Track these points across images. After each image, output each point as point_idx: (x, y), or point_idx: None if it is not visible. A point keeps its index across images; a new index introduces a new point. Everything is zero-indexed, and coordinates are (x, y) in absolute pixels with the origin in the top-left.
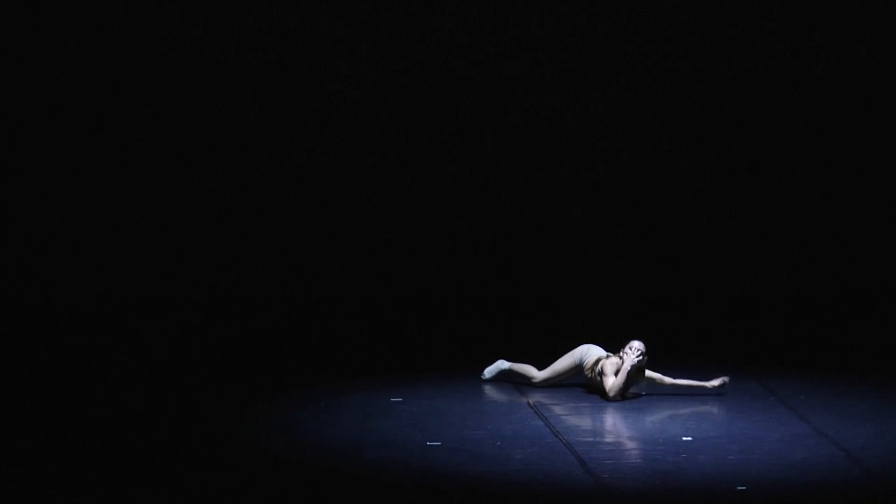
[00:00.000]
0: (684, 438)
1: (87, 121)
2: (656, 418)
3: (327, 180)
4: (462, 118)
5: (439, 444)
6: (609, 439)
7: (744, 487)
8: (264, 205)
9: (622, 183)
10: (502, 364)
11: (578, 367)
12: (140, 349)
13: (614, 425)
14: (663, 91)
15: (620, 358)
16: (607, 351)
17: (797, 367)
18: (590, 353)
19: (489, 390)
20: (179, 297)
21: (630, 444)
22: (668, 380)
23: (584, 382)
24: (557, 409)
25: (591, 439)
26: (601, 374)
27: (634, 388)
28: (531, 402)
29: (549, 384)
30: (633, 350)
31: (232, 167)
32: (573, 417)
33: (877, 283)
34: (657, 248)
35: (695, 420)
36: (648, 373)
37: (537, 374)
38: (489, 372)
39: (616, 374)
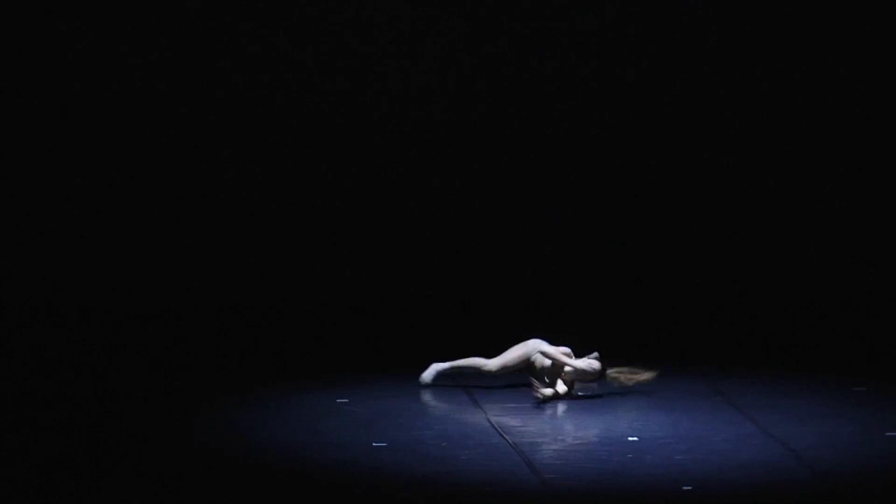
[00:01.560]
0: (630, 438)
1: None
2: (602, 418)
3: (273, 184)
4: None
5: (385, 444)
6: (555, 439)
7: (690, 487)
8: (213, 208)
9: (574, 181)
10: (439, 366)
11: (528, 361)
12: (88, 352)
13: (560, 425)
14: (652, 91)
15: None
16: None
17: (744, 366)
18: (541, 348)
19: (435, 391)
20: (127, 301)
21: (576, 445)
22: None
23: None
24: (503, 410)
25: (537, 440)
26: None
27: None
28: (478, 402)
29: (505, 373)
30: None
31: (189, 169)
32: (519, 418)
33: (824, 284)
34: (607, 247)
35: (641, 420)
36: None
37: (489, 363)
38: (427, 376)
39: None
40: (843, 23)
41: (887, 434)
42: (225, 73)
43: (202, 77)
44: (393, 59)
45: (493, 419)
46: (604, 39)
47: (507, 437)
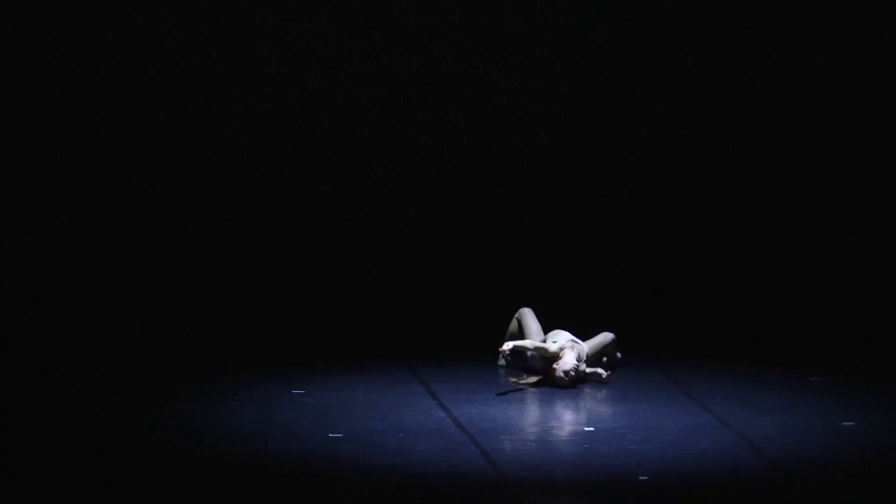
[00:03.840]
0: (586, 429)
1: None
2: (558, 409)
3: (237, 174)
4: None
5: (341, 435)
6: (512, 430)
7: (645, 477)
8: (175, 198)
9: (547, 172)
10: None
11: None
12: (41, 344)
13: (517, 416)
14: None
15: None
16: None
17: (700, 356)
18: (558, 337)
19: (391, 382)
20: (81, 292)
21: (532, 435)
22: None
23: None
24: (460, 400)
25: (493, 430)
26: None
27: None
28: (434, 393)
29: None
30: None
31: (149, 160)
32: (476, 408)
33: (780, 274)
34: (565, 234)
35: (597, 410)
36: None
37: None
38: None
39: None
40: (842, 22)
41: (843, 423)
42: (216, 68)
43: (186, 70)
44: (382, 57)
45: (450, 410)
46: (597, 37)
47: (465, 428)
